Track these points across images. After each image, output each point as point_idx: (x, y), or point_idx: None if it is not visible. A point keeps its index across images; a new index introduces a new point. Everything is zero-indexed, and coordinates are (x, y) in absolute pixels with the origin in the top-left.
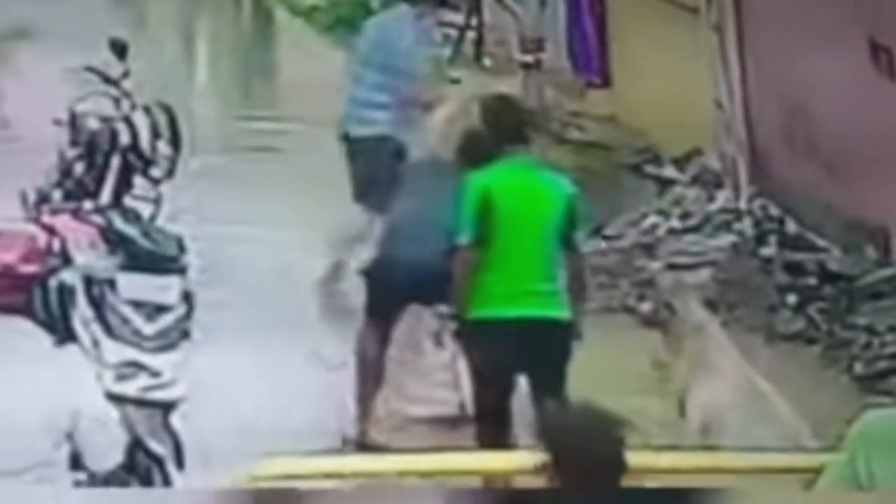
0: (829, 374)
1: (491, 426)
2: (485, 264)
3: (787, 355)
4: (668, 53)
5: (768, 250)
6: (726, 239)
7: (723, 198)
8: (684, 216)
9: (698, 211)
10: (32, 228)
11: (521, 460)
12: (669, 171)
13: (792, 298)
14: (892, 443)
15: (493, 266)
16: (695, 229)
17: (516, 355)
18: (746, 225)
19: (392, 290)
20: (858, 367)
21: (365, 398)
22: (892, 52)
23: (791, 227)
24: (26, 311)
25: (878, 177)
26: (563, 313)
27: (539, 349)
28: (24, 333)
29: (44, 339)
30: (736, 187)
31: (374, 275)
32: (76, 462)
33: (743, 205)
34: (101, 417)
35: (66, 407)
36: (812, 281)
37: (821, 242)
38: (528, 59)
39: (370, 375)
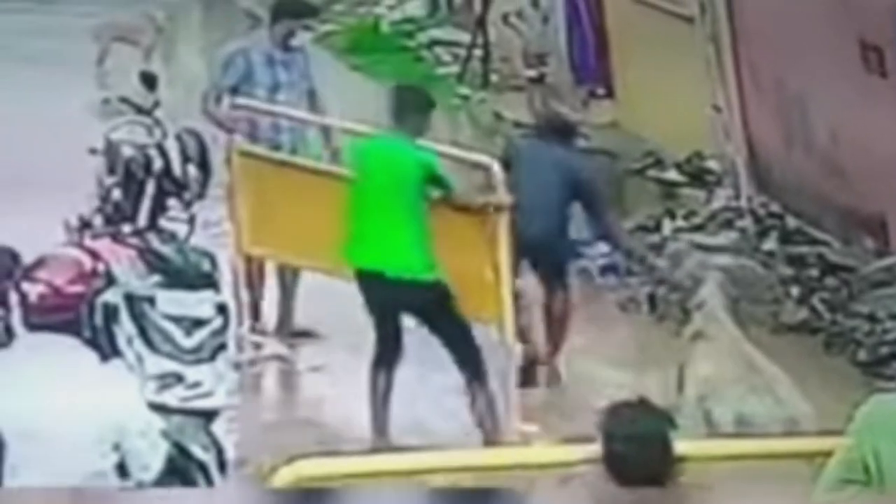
0: (834, 361)
1: None
2: None
3: (791, 345)
4: (666, 62)
5: (770, 245)
6: (729, 236)
7: (724, 197)
8: (688, 216)
9: (701, 210)
10: (77, 252)
11: (575, 453)
12: (672, 174)
13: (795, 290)
14: None
15: None
16: (699, 228)
17: None
18: (748, 222)
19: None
20: (862, 354)
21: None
22: (881, 50)
23: (791, 221)
24: (74, 329)
25: (873, 170)
26: None
27: None
28: (73, 350)
29: (90, 355)
30: (736, 186)
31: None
32: (123, 471)
33: (743, 203)
34: (145, 428)
35: (113, 419)
36: (814, 273)
37: (820, 235)
38: (533, 73)
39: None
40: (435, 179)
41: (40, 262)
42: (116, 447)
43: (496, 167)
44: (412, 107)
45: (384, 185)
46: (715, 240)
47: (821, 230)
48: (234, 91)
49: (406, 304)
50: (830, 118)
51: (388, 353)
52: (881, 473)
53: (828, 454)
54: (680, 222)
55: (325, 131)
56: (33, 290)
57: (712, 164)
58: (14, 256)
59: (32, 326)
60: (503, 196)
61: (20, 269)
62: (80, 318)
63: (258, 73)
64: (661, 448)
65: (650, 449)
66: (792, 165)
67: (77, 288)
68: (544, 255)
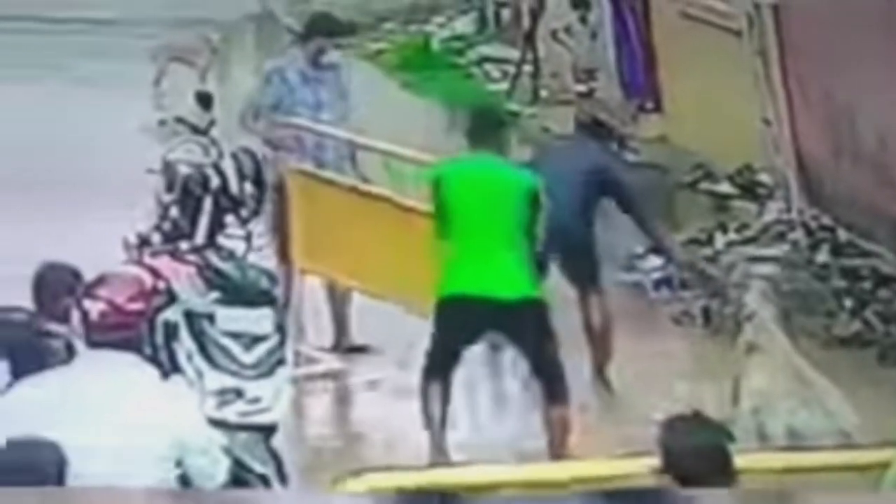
0: (887, 373)
1: None
2: None
3: (844, 358)
4: (715, 76)
5: (822, 257)
6: (781, 248)
7: (776, 209)
8: (740, 229)
9: (754, 223)
10: (137, 270)
11: (632, 466)
12: (724, 187)
13: (848, 303)
14: None
15: None
16: (751, 241)
17: None
18: (800, 234)
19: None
20: None
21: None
22: None
23: (842, 234)
24: (135, 346)
25: None
26: None
27: None
28: (133, 367)
29: (151, 372)
30: (787, 199)
31: None
32: (186, 485)
33: (795, 215)
34: (206, 444)
35: (174, 435)
36: (867, 285)
37: (873, 247)
38: (582, 88)
39: None
40: (536, 199)
41: (101, 280)
42: (178, 463)
43: None
44: (490, 126)
45: (487, 206)
46: (768, 252)
47: (873, 242)
48: (275, 109)
49: (503, 325)
50: (879, 129)
51: (443, 370)
52: None
53: (881, 466)
54: (732, 235)
55: (352, 154)
56: (94, 308)
57: (764, 177)
58: (75, 274)
59: (93, 344)
60: None
61: (81, 287)
62: (141, 335)
63: (298, 91)
64: (719, 460)
65: (708, 461)
66: (842, 177)
67: (137, 305)
68: (572, 251)
